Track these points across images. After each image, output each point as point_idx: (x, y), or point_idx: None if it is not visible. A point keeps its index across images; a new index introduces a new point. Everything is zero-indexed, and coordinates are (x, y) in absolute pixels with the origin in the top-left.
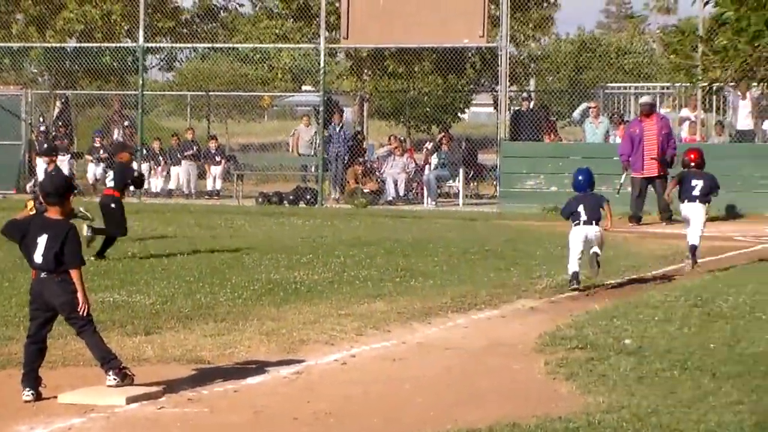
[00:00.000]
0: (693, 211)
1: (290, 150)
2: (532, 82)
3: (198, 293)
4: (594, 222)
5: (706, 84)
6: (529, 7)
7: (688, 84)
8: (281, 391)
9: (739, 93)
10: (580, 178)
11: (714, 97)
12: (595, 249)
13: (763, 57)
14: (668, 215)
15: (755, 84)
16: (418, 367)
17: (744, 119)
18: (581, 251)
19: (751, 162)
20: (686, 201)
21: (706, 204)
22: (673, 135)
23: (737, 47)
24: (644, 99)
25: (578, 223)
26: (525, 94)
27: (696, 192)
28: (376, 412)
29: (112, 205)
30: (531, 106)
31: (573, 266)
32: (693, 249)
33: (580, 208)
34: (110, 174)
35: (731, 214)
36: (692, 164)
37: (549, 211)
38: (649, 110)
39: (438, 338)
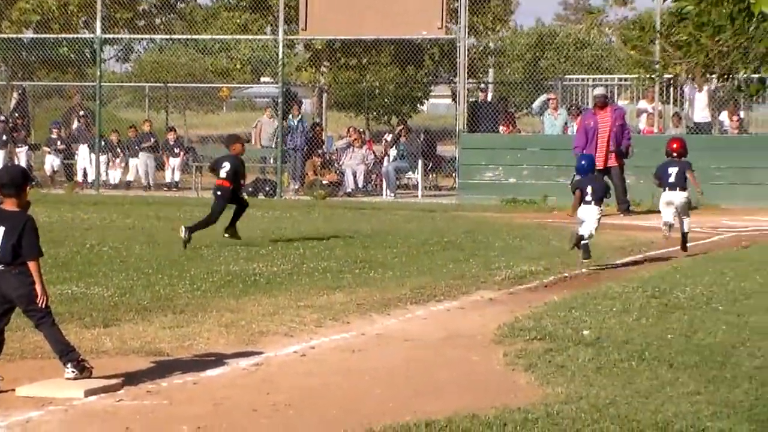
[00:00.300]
0: (674, 197)
1: (253, 142)
2: (490, 73)
3: (157, 285)
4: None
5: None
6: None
7: (648, 78)
8: (240, 383)
9: (695, 86)
10: (582, 162)
11: (671, 89)
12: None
13: (723, 51)
14: (626, 206)
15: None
16: (377, 358)
17: (700, 111)
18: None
19: (708, 154)
20: (667, 189)
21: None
22: (628, 126)
23: (699, 41)
24: (598, 91)
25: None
26: (483, 86)
27: (672, 179)
28: (335, 403)
29: (219, 193)
30: (489, 98)
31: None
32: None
33: (588, 189)
34: (226, 165)
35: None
36: (674, 154)
37: (507, 203)
38: (602, 102)
39: (397, 330)
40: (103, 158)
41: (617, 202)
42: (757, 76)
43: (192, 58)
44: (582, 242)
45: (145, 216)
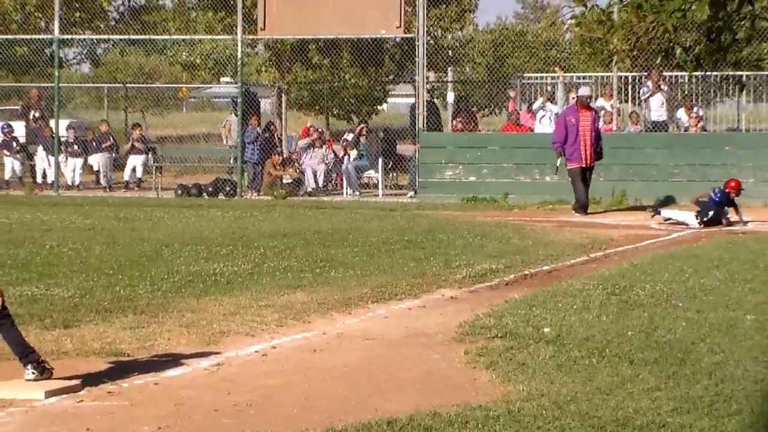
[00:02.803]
0: None
1: (224, 141)
2: (449, 72)
3: (117, 286)
4: None
5: (622, 75)
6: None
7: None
8: (202, 383)
9: (649, 84)
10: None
11: (629, 87)
12: None
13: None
14: (585, 207)
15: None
16: (338, 357)
17: (657, 110)
18: None
19: (665, 151)
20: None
21: None
22: (600, 127)
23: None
24: (583, 91)
25: None
26: (450, 86)
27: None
28: (296, 402)
29: None
30: (450, 99)
31: None
32: None
33: None
34: None
35: (647, 202)
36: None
37: (468, 201)
38: (587, 102)
39: (358, 329)
40: (61, 158)
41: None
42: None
43: (151, 59)
44: None
45: (105, 217)
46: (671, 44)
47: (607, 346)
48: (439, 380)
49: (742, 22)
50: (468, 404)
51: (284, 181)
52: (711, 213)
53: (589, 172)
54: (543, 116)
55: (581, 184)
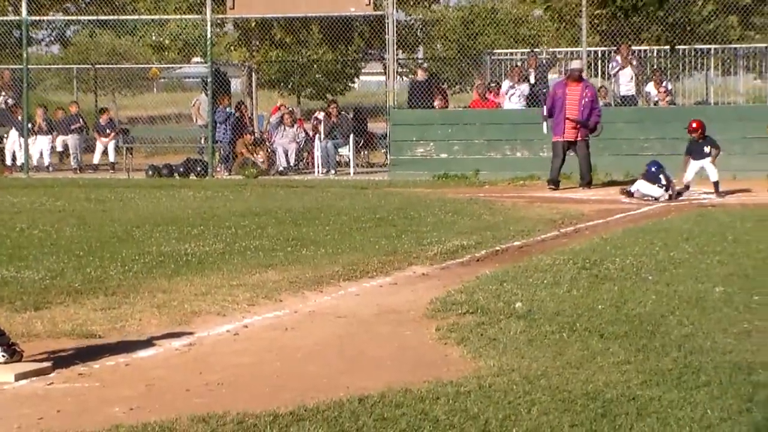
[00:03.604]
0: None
1: (194, 120)
2: (420, 50)
3: (88, 267)
4: None
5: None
6: None
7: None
8: (173, 363)
9: (618, 59)
10: None
11: (599, 62)
12: None
13: None
14: (588, 181)
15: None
16: (310, 335)
17: (626, 85)
18: None
19: (635, 126)
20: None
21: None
22: (598, 103)
23: None
24: (574, 64)
25: None
26: (424, 64)
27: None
28: (268, 381)
29: None
30: (420, 77)
31: None
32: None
33: None
34: None
35: (617, 177)
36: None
37: (439, 178)
38: (578, 76)
39: (330, 306)
40: (30, 140)
41: (581, 174)
42: None
43: (121, 40)
44: None
45: (75, 198)
46: None
47: (578, 321)
48: (411, 357)
49: None
50: (439, 380)
51: (256, 162)
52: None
53: (574, 146)
54: (513, 94)
55: (557, 159)
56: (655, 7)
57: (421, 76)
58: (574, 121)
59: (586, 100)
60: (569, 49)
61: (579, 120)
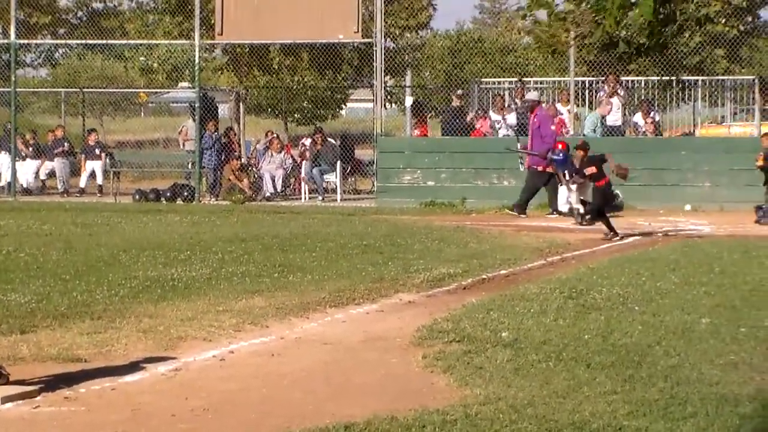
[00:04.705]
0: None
1: (181, 145)
2: (408, 76)
3: (74, 291)
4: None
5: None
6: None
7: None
8: (159, 389)
9: (606, 89)
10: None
11: (586, 92)
12: None
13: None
14: (517, 206)
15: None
16: (296, 362)
17: (613, 114)
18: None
19: (622, 156)
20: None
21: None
22: (548, 130)
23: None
24: (528, 95)
25: None
26: (458, 91)
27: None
28: (253, 407)
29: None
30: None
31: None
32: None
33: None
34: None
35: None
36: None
37: (426, 205)
38: (530, 106)
39: (316, 333)
40: (19, 164)
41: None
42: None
43: (109, 63)
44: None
45: (62, 222)
46: (613, 38)
47: (564, 350)
48: (397, 384)
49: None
50: (425, 408)
51: (243, 188)
52: (566, 172)
53: (528, 173)
54: (500, 127)
55: (526, 186)
56: (659, 51)
57: (455, 102)
58: (522, 151)
59: (535, 128)
60: (557, 78)
61: (526, 151)
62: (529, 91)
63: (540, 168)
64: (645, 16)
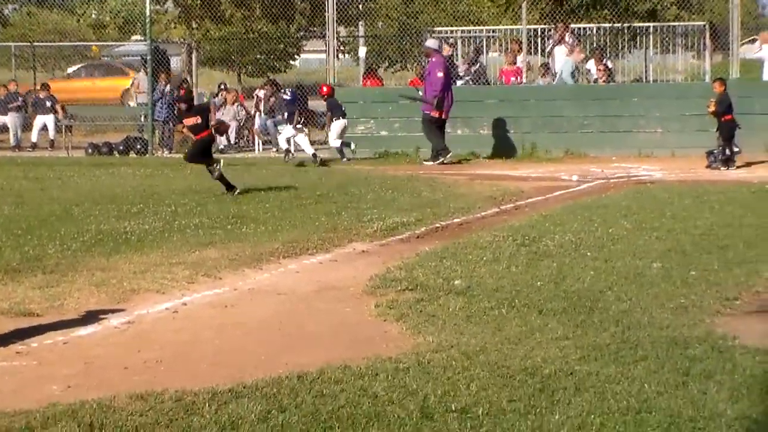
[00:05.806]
0: None
1: (133, 98)
2: (360, 27)
3: (26, 246)
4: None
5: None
6: None
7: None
8: (112, 342)
9: (557, 35)
10: None
11: (539, 40)
12: None
13: None
14: (433, 156)
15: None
16: (249, 313)
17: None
18: None
19: (575, 103)
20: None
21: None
22: (435, 77)
23: None
24: (427, 42)
25: None
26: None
27: None
28: (206, 358)
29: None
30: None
31: None
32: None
33: None
34: None
35: (557, 154)
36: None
37: (380, 156)
38: (426, 53)
39: (269, 284)
40: None
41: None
42: None
43: (60, 17)
44: None
45: (13, 177)
46: None
47: (517, 297)
48: (350, 333)
49: None
50: (378, 356)
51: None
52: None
53: (424, 121)
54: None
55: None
56: (611, 5)
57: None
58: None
59: (426, 75)
60: (510, 27)
61: (411, 97)
62: (433, 39)
63: (433, 114)
64: None
